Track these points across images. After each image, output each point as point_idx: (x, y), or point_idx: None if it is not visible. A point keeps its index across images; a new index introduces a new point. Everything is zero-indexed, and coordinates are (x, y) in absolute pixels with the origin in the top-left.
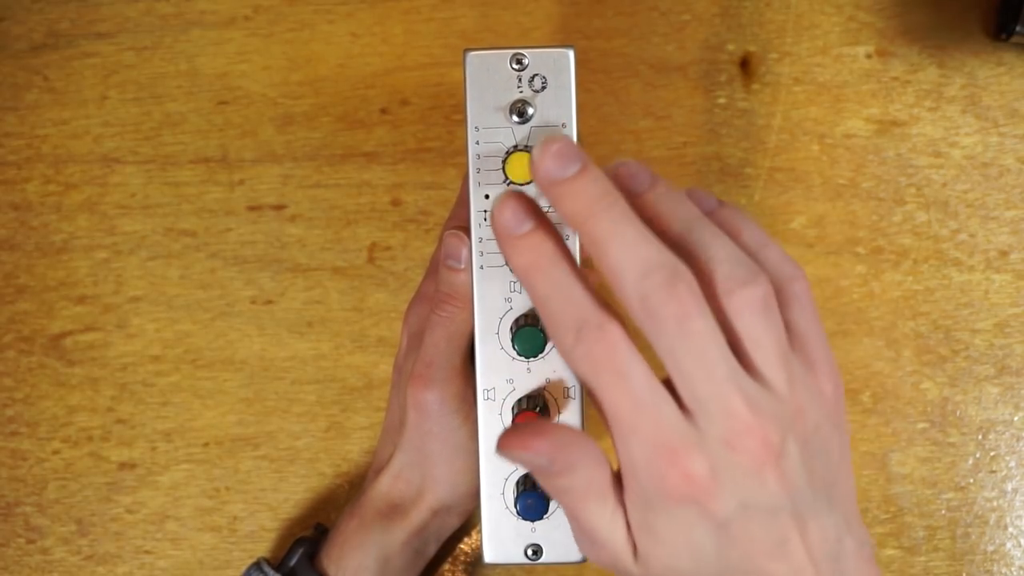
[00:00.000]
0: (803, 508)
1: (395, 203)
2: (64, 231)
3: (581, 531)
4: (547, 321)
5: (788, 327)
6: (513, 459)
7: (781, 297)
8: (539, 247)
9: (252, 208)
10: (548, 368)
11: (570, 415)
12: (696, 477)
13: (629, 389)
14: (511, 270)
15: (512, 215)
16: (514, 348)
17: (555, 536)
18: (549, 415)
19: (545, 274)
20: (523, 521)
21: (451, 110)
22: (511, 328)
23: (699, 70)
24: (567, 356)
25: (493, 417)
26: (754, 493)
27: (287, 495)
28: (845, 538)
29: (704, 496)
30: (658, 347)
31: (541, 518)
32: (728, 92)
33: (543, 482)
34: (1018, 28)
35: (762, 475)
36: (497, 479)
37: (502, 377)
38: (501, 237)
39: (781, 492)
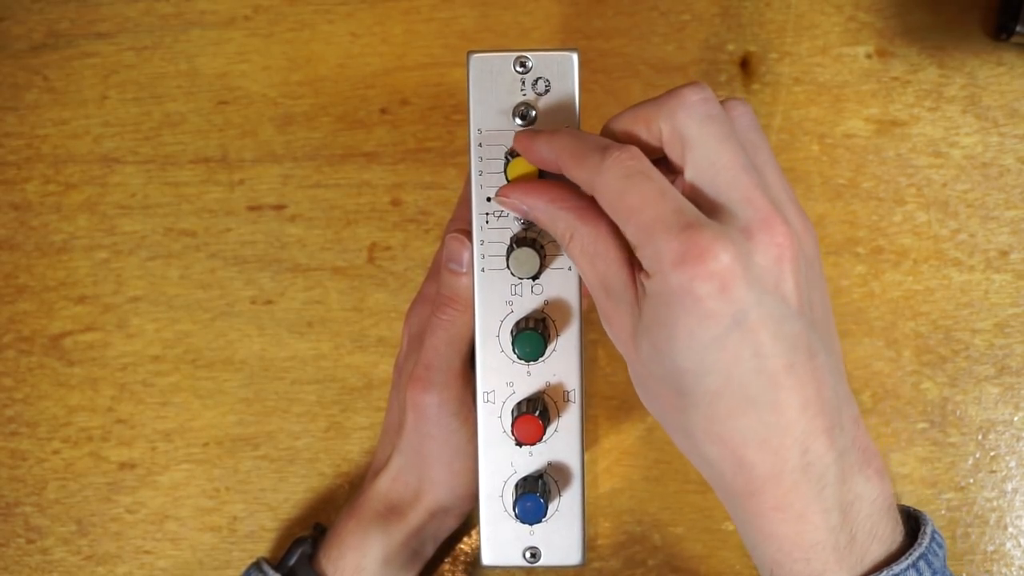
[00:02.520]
0: (809, 330)
1: (395, 203)
2: (64, 231)
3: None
4: (572, 161)
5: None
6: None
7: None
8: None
9: (252, 208)
10: (548, 372)
11: (570, 419)
12: (718, 259)
13: (656, 185)
14: (525, 152)
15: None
16: (514, 351)
17: (553, 539)
18: (549, 419)
19: (564, 133)
20: (521, 524)
21: (451, 110)
22: (511, 331)
23: (699, 70)
24: (596, 175)
25: (493, 420)
26: (771, 290)
27: (287, 495)
28: (839, 385)
29: (725, 281)
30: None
31: (539, 521)
32: (728, 92)
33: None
34: (1018, 28)
35: (781, 270)
36: (496, 482)
37: (502, 380)
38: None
39: (795, 300)
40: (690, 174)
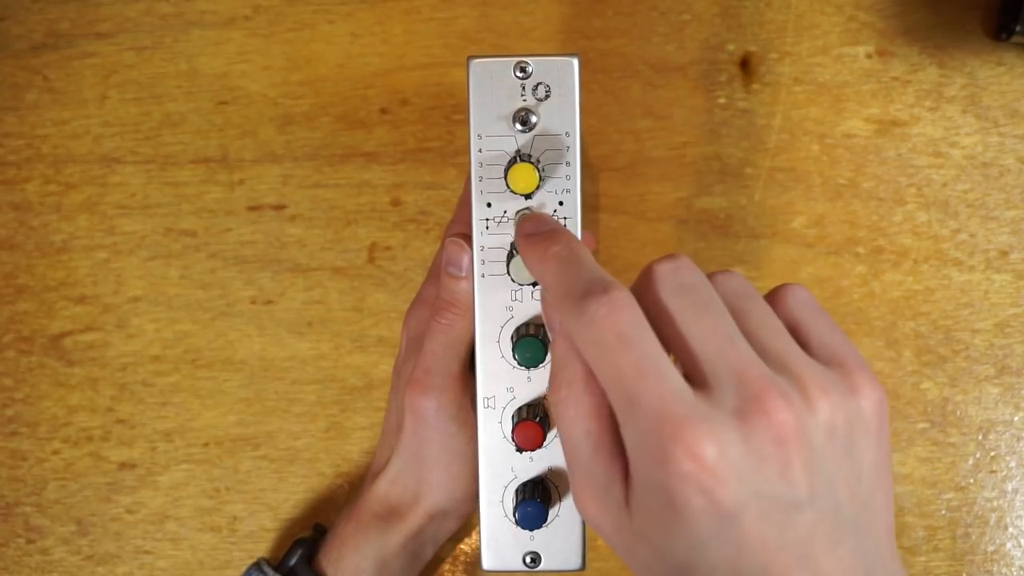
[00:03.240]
0: (829, 517)
1: (395, 203)
2: (64, 231)
3: (577, 470)
4: (552, 289)
5: (820, 345)
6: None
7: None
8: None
9: (252, 208)
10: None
11: None
12: (702, 455)
13: (633, 354)
14: (521, 256)
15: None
16: (515, 357)
17: (554, 544)
18: (549, 424)
19: (554, 249)
20: (522, 529)
21: (451, 110)
22: (512, 337)
23: (699, 70)
24: (574, 331)
25: (493, 425)
26: (771, 481)
27: (287, 495)
28: (877, 570)
29: (711, 479)
30: (670, 334)
31: (540, 527)
32: (728, 92)
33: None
34: (1018, 28)
35: (783, 459)
36: (496, 487)
37: (502, 385)
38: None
39: (804, 486)
40: (676, 351)
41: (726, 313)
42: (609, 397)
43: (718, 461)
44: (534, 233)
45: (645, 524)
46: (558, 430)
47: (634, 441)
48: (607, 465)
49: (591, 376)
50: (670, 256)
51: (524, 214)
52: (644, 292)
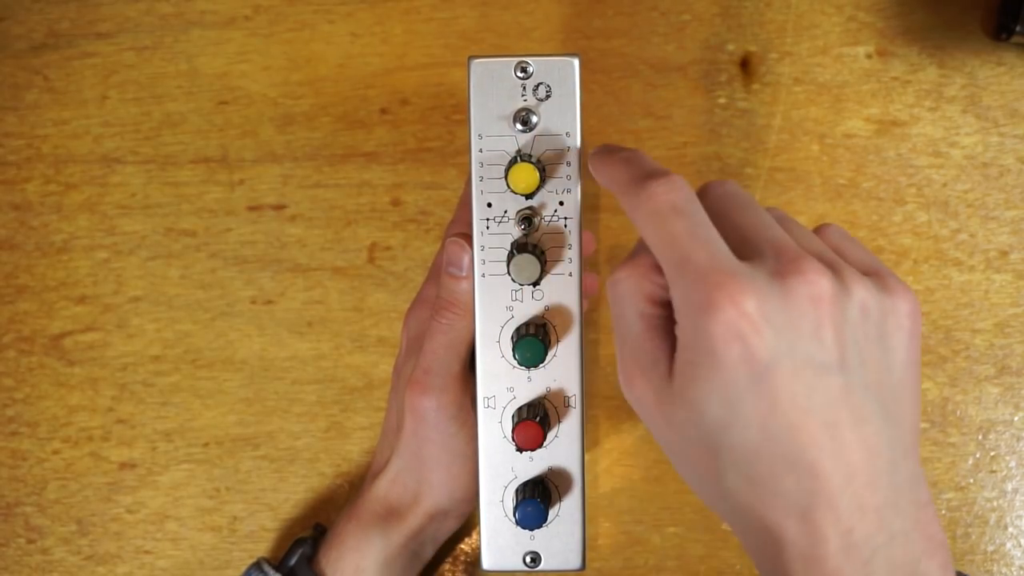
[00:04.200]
0: (857, 392)
1: (395, 203)
2: (64, 231)
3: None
4: (618, 182)
5: (858, 260)
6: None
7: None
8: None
9: (252, 208)
10: (549, 377)
11: (570, 424)
12: (743, 304)
13: (686, 221)
14: (593, 172)
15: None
16: (515, 357)
17: (554, 544)
18: (549, 424)
19: (620, 154)
20: (522, 529)
21: (451, 110)
22: (512, 337)
23: (699, 70)
24: (635, 210)
25: (493, 425)
26: (804, 338)
27: (287, 495)
28: (900, 462)
29: (749, 327)
30: (720, 221)
31: (540, 526)
32: (728, 92)
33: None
34: (1018, 28)
35: (816, 319)
36: (496, 487)
37: (503, 385)
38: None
39: (835, 350)
40: (724, 233)
41: (768, 215)
42: (662, 264)
43: (757, 311)
44: (599, 151)
45: (685, 383)
46: (612, 309)
47: (682, 298)
48: (656, 343)
49: (655, 267)
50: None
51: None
52: (699, 192)
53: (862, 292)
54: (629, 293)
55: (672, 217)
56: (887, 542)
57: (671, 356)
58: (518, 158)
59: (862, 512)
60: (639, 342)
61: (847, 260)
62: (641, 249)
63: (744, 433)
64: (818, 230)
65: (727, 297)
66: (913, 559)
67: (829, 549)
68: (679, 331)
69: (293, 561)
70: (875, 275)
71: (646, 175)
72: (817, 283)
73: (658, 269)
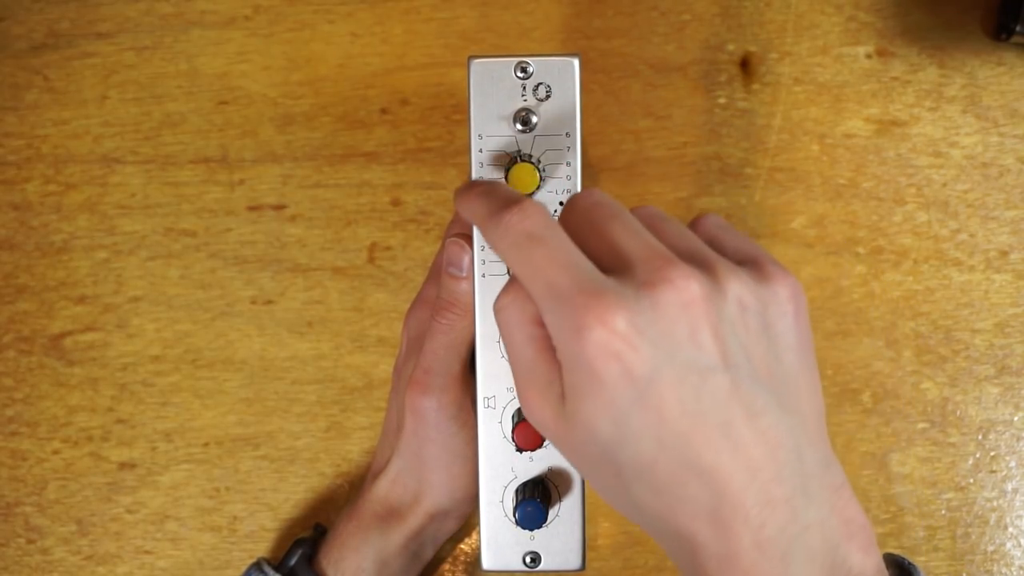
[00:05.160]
0: (745, 386)
1: (395, 203)
2: (64, 231)
3: (520, 375)
4: (478, 217)
5: (735, 250)
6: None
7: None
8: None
9: (252, 208)
10: None
11: None
12: (612, 323)
13: (544, 247)
14: (457, 209)
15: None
16: None
17: (554, 544)
18: None
19: (476, 189)
20: (522, 529)
21: (451, 110)
22: None
23: (699, 70)
24: (497, 242)
25: (493, 425)
26: (682, 345)
27: (287, 495)
28: (805, 449)
29: (623, 344)
30: (584, 238)
31: (540, 526)
32: (728, 92)
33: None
34: (1018, 28)
35: (690, 323)
36: (496, 487)
37: (503, 385)
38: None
39: (715, 350)
40: (589, 251)
41: (636, 221)
42: (531, 294)
43: (628, 327)
44: (461, 188)
45: (574, 405)
46: (502, 335)
47: (555, 325)
48: (548, 365)
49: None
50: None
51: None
52: (564, 213)
53: (737, 287)
54: (515, 318)
55: (530, 245)
56: (801, 531)
57: (562, 377)
58: (518, 158)
59: (771, 506)
60: (532, 365)
61: (723, 252)
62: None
63: (638, 447)
64: (694, 223)
65: (595, 318)
66: (832, 544)
67: (742, 546)
68: (559, 356)
69: (293, 561)
70: (752, 264)
71: (501, 206)
72: (686, 288)
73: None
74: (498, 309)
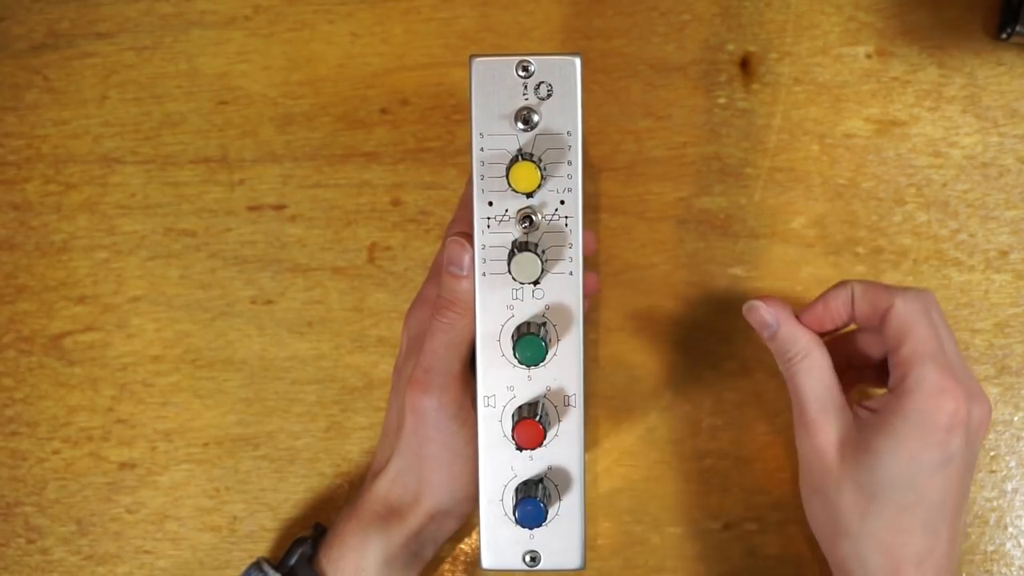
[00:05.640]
0: (968, 489)
1: (395, 203)
2: (64, 231)
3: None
4: (872, 290)
5: None
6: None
7: None
8: None
9: (252, 208)
10: (549, 376)
11: (570, 423)
12: (964, 406)
13: (940, 330)
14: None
15: None
16: (515, 356)
17: (553, 543)
18: (549, 423)
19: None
20: (521, 528)
21: (451, 110)
22: (512, 336)
23: (699, 70)
24: (898, 299)
25: (493, 424)
26: (970, 445)
27: (287, 495)
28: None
29: (958, 424)
30: None
31: (539, 525)
32: (728, 92)
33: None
34: (1018, 28)
35: (979, 434)
36: (496, 486)
37: (503, 384)
38: None
39: (974, 460)
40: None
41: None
42: (909, 347)
43: (967, 414)
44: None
45: (878, 438)
46: (794, 386)
47: (920, 379)
48: (837, 400)
49: (818, 343)
50: (929, 293)
51: None
52: (910, 304)
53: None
54: (808, 366)
55: (929, 319)
56: None
57: (852, 413)
58: (519, 157)
59: (949, 571)
60: (824, 400)
61: None
62: (796, 337)
63: (908, 495)
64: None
65: (959, 400)
66: None
67: None
68: (892, 399)
69: (293, 561)
70: None
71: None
72: (985, 414)
73: (816, 347)
74: (789, 359)
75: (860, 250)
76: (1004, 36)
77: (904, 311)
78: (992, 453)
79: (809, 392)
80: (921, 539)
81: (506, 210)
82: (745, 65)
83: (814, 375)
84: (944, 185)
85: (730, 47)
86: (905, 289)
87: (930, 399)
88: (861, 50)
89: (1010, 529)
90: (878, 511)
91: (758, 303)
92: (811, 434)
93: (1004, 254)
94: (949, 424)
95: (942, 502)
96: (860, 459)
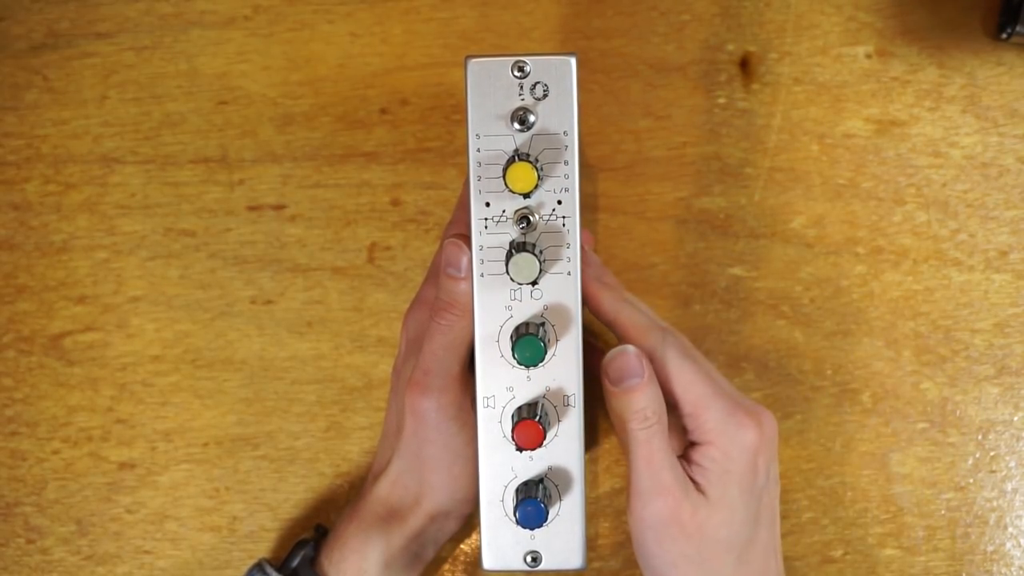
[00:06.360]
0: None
1: (395, 203)
2: (64, 231)
3: (652, 471)
4: (634, 329)
5: None
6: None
7: None
8: None
9: (252, 208)
10: (548, 376)
11: (570, 423)
12: (769, 429)
13: (708, 368)
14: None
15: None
16: (514, 357)
17: (554, 543)
18: (549, 423)
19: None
20: (522, 529)
21: (451, 110)
22: (511, 337)
23: (699, 70)
24: (657, 346)
25: (493, 425)
26: (774, 458)
27: (287, 495)
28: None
29: (766, 448)
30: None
31: (540, 526)
32: (728, 92)
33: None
34: (1018, 28)
35: (774, 445)
36: (496, 486)
37: (502, 385)
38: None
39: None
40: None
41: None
42: (689, 393)
43: (773, 437)
44: (603, 283)
45: (723, 489)
46: (646, 450)
47: (718, 419)
48: (679, 466)
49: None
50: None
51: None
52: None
53: None
54: (662, 430)
55: (692, 361)
56: None
57: (687, 474)
58: (516, 157)
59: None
60: (674, 468)
61: None
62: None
63: (757, 526)
64: None
65: (755, 423)
66: None
67: None
68: (708, 448)
69: (295, 562)
70: None
71: (660, 324)
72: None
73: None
74: (646, 418)
75: (860, 250)
76: (1004, 36)
77: (664, 357)
78: (992, 453)
79: (661, 461)
80: (774, 563)
81: (503, 211)
82: (745, 65)
83: (664, 441)
84: (944, 185)
85: (730, 47)
86: (662, 327)
87: (737, 435)
88: (861, 50)
89: (1010, 529)
90: (740, 551)
91: (631, 348)
92: (662, 505)
93: (1004, 254)
94: (756, 448)
95: (773, 520)
96: (718, 518)
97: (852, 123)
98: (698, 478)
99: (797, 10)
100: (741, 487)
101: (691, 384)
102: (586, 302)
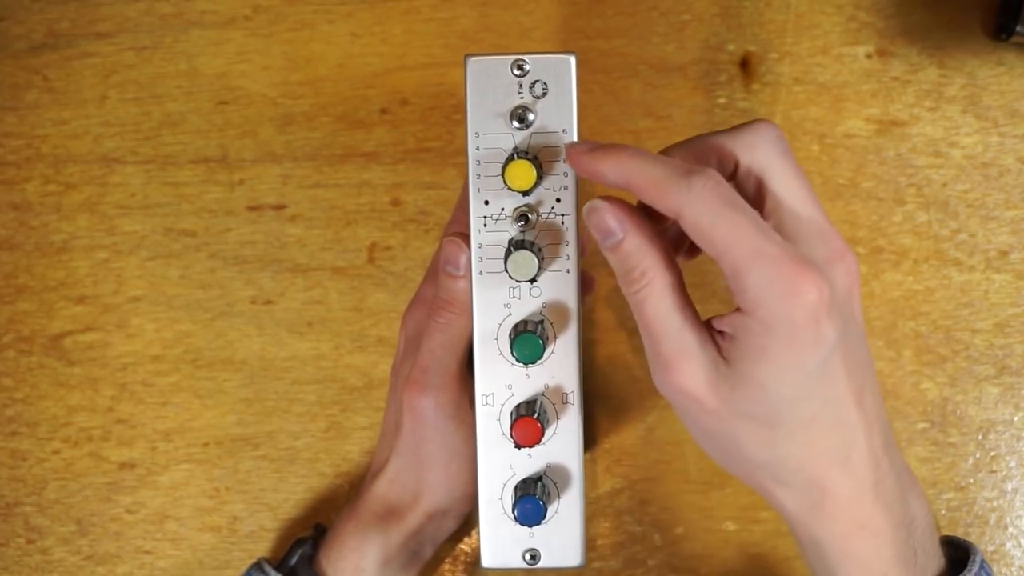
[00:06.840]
0: (868, 362)
1: (395, 203)
2: (64, 231)
3: (659, 344)
4: (651, 187)
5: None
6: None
7: None
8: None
9: (252, 208)
10: (547, 374)
11: (569, 421)
12: (824, 289)
13: (748, 216)
14: (595, 166)
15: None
16: (513, 354)
17: (553, 541)
18: (548, 421)
19: (628, 150)
20: (521, 526)
21: (451, 110)
22: (510, 334)
23: (699, 70)
24: (685, 205)
25: (491, 422)
26: (848, 318)
27: (287, 495)
28: (888, 427)
29: (825, 314)
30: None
31: (539, 523)
32: (728, 92)
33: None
34: (1018, 28)
35: (852, 298)
36: (495, 484)
37: (501, 383)
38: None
39: (861, 322)
40: (772, 206)
41: (808, 181)
42: (728, 254)
43: (828, 297)
44: (598, 148)
45: (751, 368)
46: (641, 315)
47: (761, 286)
48: (696, 330)
49: (668, 258)
50: (770, 122)
51: (570, 143)
52: (752, 148)
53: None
54: (657, 292)
55: (733, 211)
56: (896, 477)
57: (712, 337)
58: (515, 155)
59: (880, 454)
60: (680, 333)
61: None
62: (641, 252)
63: (809, 406)
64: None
65: (812, 284)
66: (908, 487)
67: (865, 487)
68: (746, 319)
69: (293, 561)
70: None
71: (686, 170)
72: (854, 272)
73: (670, 261)
74: (635, 290)
75: (860, 250)
76: (1004, 36)
77: (693, 214)
78: (992, 453)
79: (661, 325)
80: (836, 438)
81: (502, 209)
82: (745, 65)
83: (665, 303)
84: (944, 185)
85: (730, 47)
86: (688, 173)
87: (783, 304)
88: (861, 50)
89: (1010, 529)
90: (784, 436)
91: (601, 204)
92: (673, 377)
93: (1004, 254)
94: (813, 318)
95: (844, 391)
96: (742, 394)
97: (852, 123)
98: (728, 350)
99: (797, 10)
100: (787, 363)
101: (729, 242)
102: (590, 179)
